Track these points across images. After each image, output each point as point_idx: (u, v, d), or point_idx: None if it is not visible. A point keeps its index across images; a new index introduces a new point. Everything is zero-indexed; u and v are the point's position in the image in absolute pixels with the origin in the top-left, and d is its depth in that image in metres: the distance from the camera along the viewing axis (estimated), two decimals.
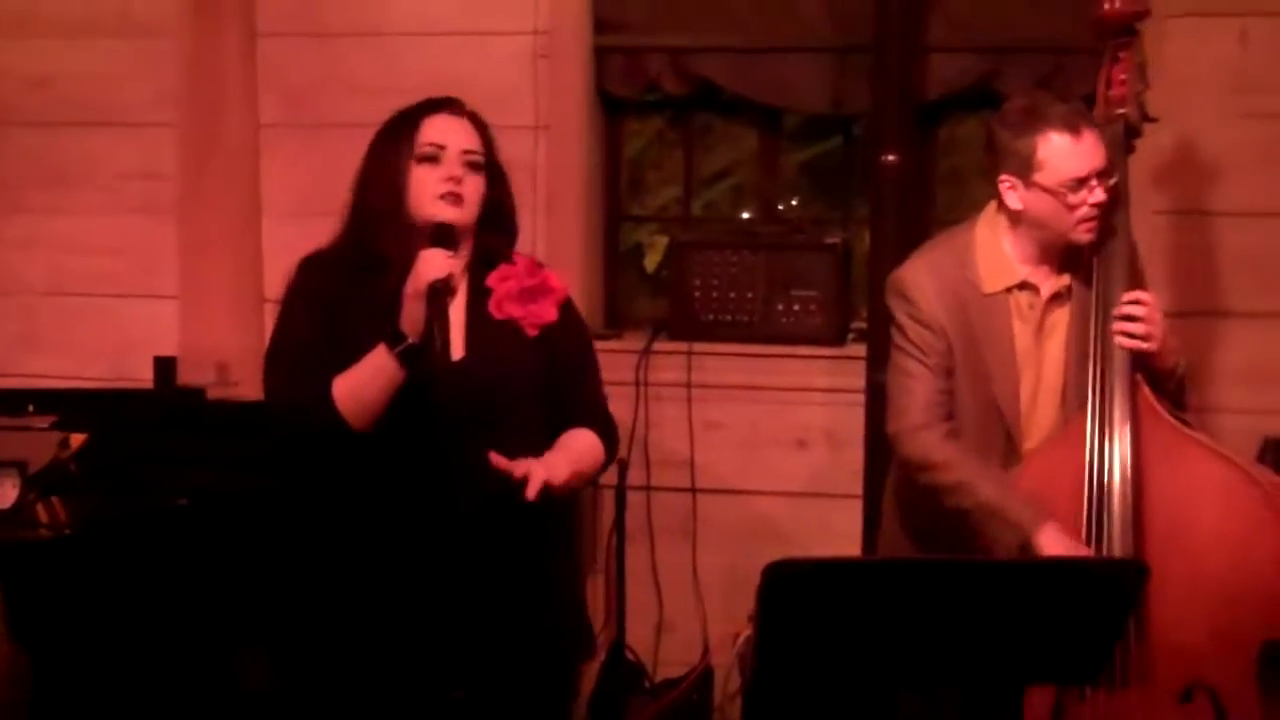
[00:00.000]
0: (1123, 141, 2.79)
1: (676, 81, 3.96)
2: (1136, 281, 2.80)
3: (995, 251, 2.78)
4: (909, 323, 2.78)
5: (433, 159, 2.42)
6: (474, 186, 2.44)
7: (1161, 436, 2.69)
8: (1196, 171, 3.57)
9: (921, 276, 2.80)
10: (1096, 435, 2.68)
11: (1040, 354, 2.79)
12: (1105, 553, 2.63)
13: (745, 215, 4.22)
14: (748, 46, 3.90)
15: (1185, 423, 2.74)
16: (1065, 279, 2.79)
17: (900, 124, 3.64)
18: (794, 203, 4.23)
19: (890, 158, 3.60)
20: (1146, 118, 2.83)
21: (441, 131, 2.44)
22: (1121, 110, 2.79)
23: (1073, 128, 2.67)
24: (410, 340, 2.33)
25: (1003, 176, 2.72)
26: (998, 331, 2.77)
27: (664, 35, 3.94)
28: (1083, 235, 2.71)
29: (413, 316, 2.33)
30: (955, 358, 2.77)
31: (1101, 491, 2.66)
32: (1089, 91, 3.70)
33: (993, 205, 2.82)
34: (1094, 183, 2.68)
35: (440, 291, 2.32)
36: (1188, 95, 3.52)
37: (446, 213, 2.40)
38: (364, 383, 2.34)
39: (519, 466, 2.31)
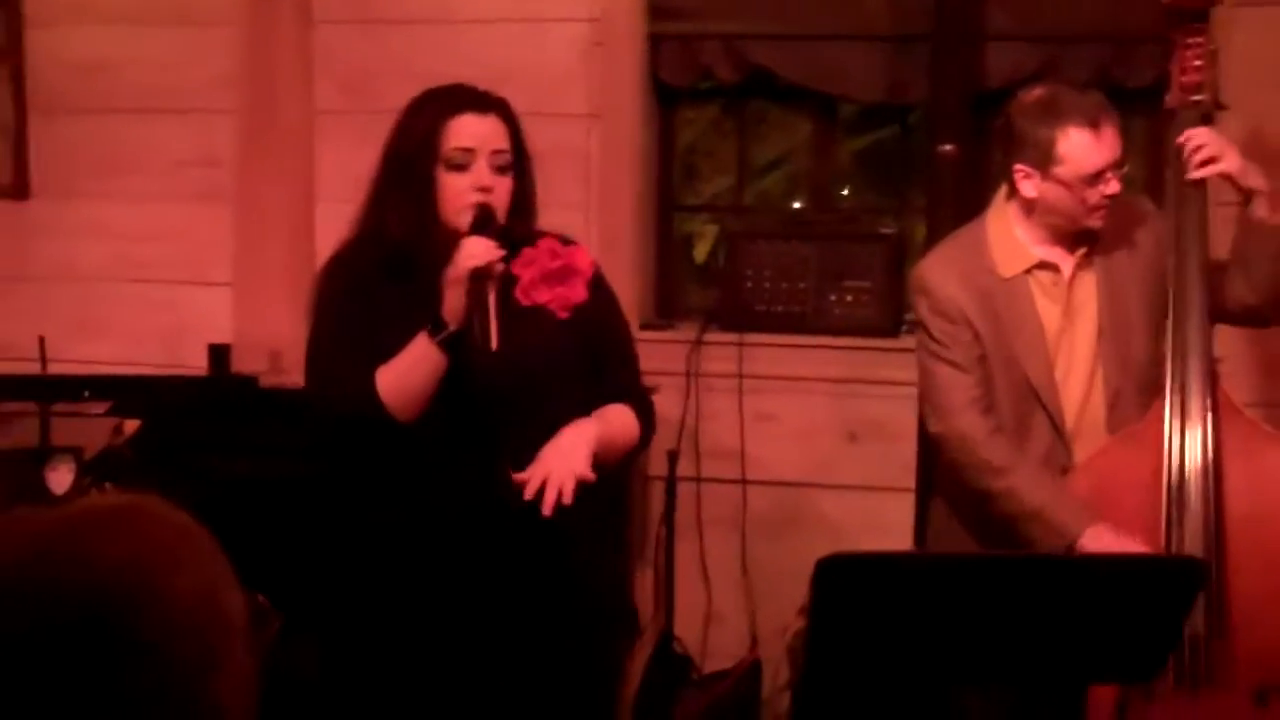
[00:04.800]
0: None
1: (731, 69, 3.92)
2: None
3: (1009, 238, 2.79)
4: (930, 317, 2.77)
5: (461, 166, 2.36)
6: (504, 188, 2.38)
7: (1240, 433, 2.65)
8: (1263, 164, 3.50)
9: (940, 267, 2.81)
10: (1174, 431, 2.64)
11: (1073, 332, 2.78)
12: (1182, 550, 2.58)
13: (798, 205, 4.19)
14: (803, 34, 3.85)
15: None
16: (1082, 249, 2.79)
17: (958, 114, 3.60)
18: (847, 192, 4.19)
19: (947, 148, 3.56)
20: (1219, 105, 2.80)
21: (470, 134, 2.36)
22: (1197, 97, 2.76)
23: (1093, 122, 2.67)
24: (451, 328, 2.31)
25: (1018, 165, 2.72)
26: (1023, 315, 2.76)
27: (719, 22, 3.90)
28: (1095, 221, 2.73)
29: (453, 304, 2.30)
30: (984, 345, 2.75)
31: (1180, 488, 2.62)
32: (1150, 81, 3.68)
33: (1001, 195, 2.83)
34: (1109, 175, 2.69)
35: (481, 278, 2.30)
36: (1252, 86, 3.46)
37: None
38: (407, 372, 2.33)
39: (531, 481, 2.26)
